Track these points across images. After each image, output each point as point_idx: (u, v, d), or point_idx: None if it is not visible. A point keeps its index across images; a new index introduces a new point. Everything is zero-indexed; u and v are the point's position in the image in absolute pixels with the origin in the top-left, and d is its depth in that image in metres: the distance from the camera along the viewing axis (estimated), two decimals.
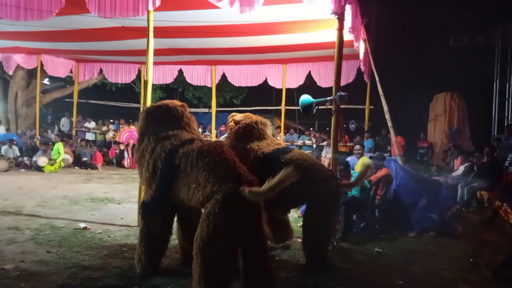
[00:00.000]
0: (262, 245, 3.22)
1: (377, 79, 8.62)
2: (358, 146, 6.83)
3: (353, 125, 11.31)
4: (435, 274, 4.18)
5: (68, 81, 15.77)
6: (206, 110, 16.37)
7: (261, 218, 3.16)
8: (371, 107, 11.24)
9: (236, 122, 4.48)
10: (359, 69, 10.51)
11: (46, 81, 15.61)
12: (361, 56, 8.57)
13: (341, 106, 5.00)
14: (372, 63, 8.95)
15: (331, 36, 7.10)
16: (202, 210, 3.18)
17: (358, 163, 6.21)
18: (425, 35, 16.17)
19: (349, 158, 6.86)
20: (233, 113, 4.69)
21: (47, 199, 6.87)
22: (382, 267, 4.31)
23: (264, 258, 3.23)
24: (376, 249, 4.80)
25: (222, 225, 2.96)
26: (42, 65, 12.29)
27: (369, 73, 9.79)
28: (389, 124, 8.39)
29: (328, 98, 4.92)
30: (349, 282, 3.86)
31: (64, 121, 15.36)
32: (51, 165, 10.82)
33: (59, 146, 11.30)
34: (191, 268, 3.09)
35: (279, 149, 4.33)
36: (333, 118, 4.91)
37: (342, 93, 4.75)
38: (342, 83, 6.32)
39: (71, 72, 13.63)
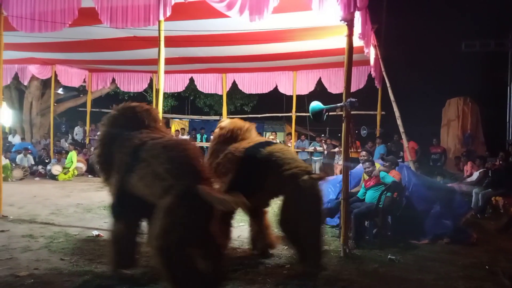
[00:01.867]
0: (213, 244, 3.24)
1: (388, 84, 8.59)
2: (364, 152, 6.77)
3: (364, 131, 11.26)
4: (449, 282, 4.11)
5: (82, 90, 16.02)
6: (217, 117, 16.44)
7: (214, 217, 3.19)
8: (383, 112, 11.18)
9: (221, 128, 4.66)
10: (370, 75, 10.47)
11: (60, 91, 15.87)
12: (372, 62, 8.55)
13: (352, 112, 4.97)
14: (383, 69, 8.92)
15: (341, 42, 7.12)
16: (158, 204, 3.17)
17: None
18: (437, 40, 16.08)
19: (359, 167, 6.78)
20: (222, 119, 4.92)
21: (61, 207, 6.96)
22: (395, 275, 4.25)
23: (215, 257, 3.24)
24: (389, 256, 4.74)
25: (180, 220, 2.98)
26: (56, 75, 12.52)
27: (380, 79, 9.76)
28: (401, 129, 8.33)
29: (339, 104, 4.91)
30: None
31: (77, 130, 15.58)
32: (65, 173, 10.97)
33: (73, 154, 11.47)
34: None
35: (258, 143, 4.39)
36: (343, 125, 4.89)
37: (353, 99, 4.74)
38: (353, 89, 6.31)
39: (84, 81, 13.87)
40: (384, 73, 8.87)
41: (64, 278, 3.78)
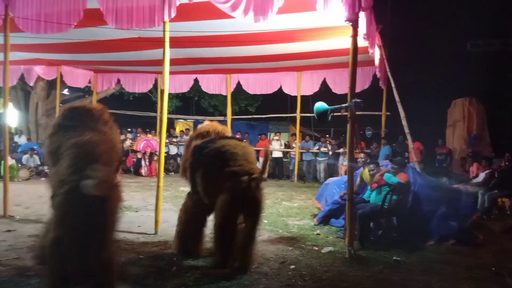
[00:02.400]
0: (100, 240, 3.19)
1: (393, 85, 8.56)
2: (362, 154, 6.75)
3: (369, 132, 11.23)
4: (454, 284, 4.09)
5: (87, 91, 16.11)
6: (221, 118, 16.46)
7: (106, 212, 3.16)
8: (388, 113, 11.15)
9: (198, 128, 4.90)
10: (374, 75, 10.45)
11: (65, 91, 15.96)
12: (377, 62, 8.53)
13: (357, 113, 4.97)
14: (388, 69, 8.90)
15: (345, 43, 7.11)
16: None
17: (364, 172, 6.13)
18: (442, 40, 16.01)
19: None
20: (205, 121, 5.11)
21: None
22: (400, 276, 4.23)
23: (99, 254, 3.18)
24: (394, 258, 4.72)
25: (68, 215, 3.01)
26: (61, 76, 12.59)
27: (385, 79, 9.73)
28: (406, 130, 8.30)
29: (343, 105, 4.90)
30: None
31: None
32: None
33: None
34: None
35: (213, 138, 4.46)
36: (348, 125, 4.88)
37: (358, 100, 4.73)
38: (358, 89, 6.30)
39: (89, 82, 13.93)
40: (389, 74, 8.84)
41: None
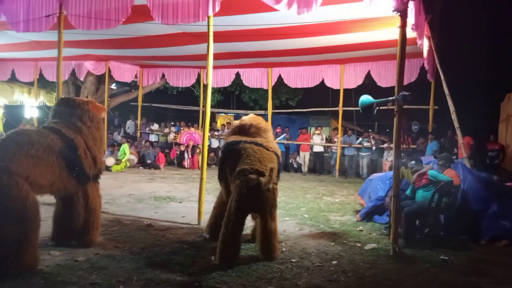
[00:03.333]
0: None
1: (442, 77, 8.19)
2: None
3: (416, 127, 10.83)
4: (507, 287, 3.88)
5: (133, 85, 16.66)
6: (262, 112, 16.51)
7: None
8: (436, 107, 10.70)
9: (239, 121, 5.05)
10: (422, 68, 10.05)
11: (113, 86, 16.61)
12: (425, 54, 8.19)
13: (404, 107, 4.80)
14: (437, 61, 8.52)
15: (392, 34, 6.88)
16: None
17: (403, 169, 5.88)
18: (495, 30, 15.08)
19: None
20: (251, 114, 5.26)
21: (115, 197, 7.31)
22: (448, 277, 4.07)
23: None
24: (441, 257, 4.54)
25: None
26: (109, 71, 13.12)
27: (433, 72, 9.33)
28: (456, 125, 7.92)
29: (390, 98, 4.75)
30: None
31: (129, 124, 16.24)
32: (118, 164, 11.48)
33: (125, 147, 11.98)
34: None
35: (239, 140, 4.59)
36: (395, 119, 4.72)
37: (405, 93, 4.56)
38: (405, 82, 6.07)
39: (136, 77, 14.42)
40: (438, 66, 8.46)
41: (117, 264, 3.96)
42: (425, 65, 9.16)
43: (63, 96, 4.79)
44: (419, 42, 6.78)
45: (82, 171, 4.25)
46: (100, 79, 14.96)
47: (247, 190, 4.00)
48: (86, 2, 6.30)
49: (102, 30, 6.51)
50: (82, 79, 14.14)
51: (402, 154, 6.12)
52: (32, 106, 15.59)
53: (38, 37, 9.24)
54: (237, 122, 5.07)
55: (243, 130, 4.88)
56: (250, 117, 5.06)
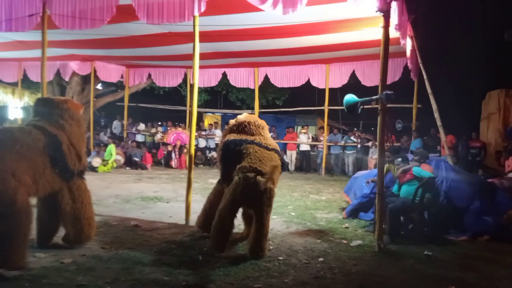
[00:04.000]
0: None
1: (425, 76, 8.34)
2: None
3: (399, 125, 10.98)
4: (493, 281, 3.97)
5: (119, 86, 16.51)
6: (249, 111, 16.55)
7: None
8: (419, 105, 10.88)
9: (235, 120, 5.15)
10: (405, 67, 10.20)
11: (99, 86, 16.42)
12: (408, 53, 8.33)
13: (388, 105, 4.89)
14: (419, 61, 8.67)
15: (376, 34, 6.96)
16: None
17: (391, 166, 6.02)
18: (476, 29, 15.37)
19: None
20: (245, 114, 5.36)
21: (101, 198, 7.24)
22: (433, 272, 4.16)
23: None
24: (425, 252, 4.65)
25: None
26: (95, 71, 12.99)
27: (416, 71, 9.49)
28: (439, 123, 8.08)
29: (374, 97, 4.83)
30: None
31: (116, 124, 16.11)
32: (104, 165, 11.38)
33: (112, 147, 11.87)
34: None
35: (240, 139, 4.74)
36: (379, 118, 4.81)
37: (389, 92, 4.65)
38: (388, 81, 6.18)
39: (122, 77, 14.31)
40: (421, 65, 8.61)
41: (105, 265, 3.94)
42: (409, 64, 9.31)
43: (41, 97, 4.78)
44: (402, 42, 6.90)
45: (66, 167, 4.19)
46: (85, 79, 14.77)
47: (243, 187, 4.11)
48: (70, 1, 6.25)
49: (87, 30, 6.47)
50: (67, 79, 13.94)
51: (387, 152, 6.25)
52: (16, 107, 15.35)
53: (21, 37, 9.10)
54: (233, 121, 5.14)
55: (240, 128, 4.98)
56: (246, 116, 5.17)
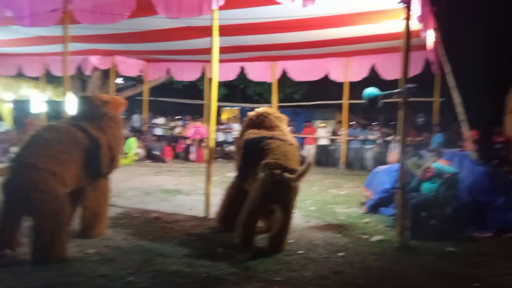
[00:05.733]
0: None
1: (447, 69, 8.15)
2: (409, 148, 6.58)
3: (421, 119, 10.79)
4: None
5: (139, 80, 16.69)
6: (267, 105, 16.49)
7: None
8: (441, 99, 10.66)
9: (253, 113, 5.14)
10: (427, 60, 9.98)
11: (119, 80, 16.65)
12: (430, 46, 8.14)
13: (409, 99, 4.80)
14: (442, 53, 8.47)
15: (397, 26, 6.83)
16: None
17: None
18: (501, 22, 14.92)
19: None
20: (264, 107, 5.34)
21: (122, 190, 7.38)
22: (455, 268, 4.09)
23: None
24: (447, 249, 4.57)
25: None
26: (115, 65, 13.16)
27: (439, 64, 9.28)
28: (461, 117, 7.89)
29: (395, 90, 4.75)
30: (416, 284, 3.72)
31: (136, 118, 16.32)
32: (125, 158, 11.56)
33: (132, 141, 12.06)
34: None
35: (263, 136, 4.69)
36: (400, 112, 4.73)
37: (410, 86, 4.56)
38: (410, 74, 6.05)
39: (141, 71, 14.45)
40: (443, 58, 8.42)
41: (127, 256, 4.03)
42: (430, 57, 9.11)
43: (84, 95, 4.92)
44: (423, 34, 6.75)
45: (98, 169, 4.39)
46: (106, 74, 14.99)
47: (270, 185, 4.08)
48: None
49: (107, 24, 6.53)
50: (88, 73, 14.19)
51: (407, 147, 6.16)
52: (40, 101, 15.68)
53: (44, 32, 9.27)
54: (252, 113, 5.12)
55: (259, 120, 4.97)
56: (264, 109, 5.15)
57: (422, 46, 8.46)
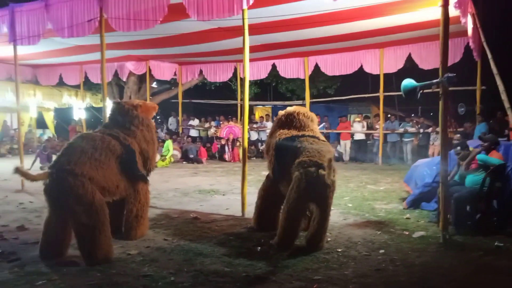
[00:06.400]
0: None
1: (489, 56, 7.74)
2: (458, 135, 6.22)
3: (462, 109, 10.34)
4: None
5: (173, 83, 17.06)
6: (299, 102, 16.38)
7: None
8: (483, 87, 10.17)
9: (284, 112, 5.07)
10: (466, 47, 9.56)
11: (154, 84, 17.08)
12: (470, 32, 7.78)
13: (450, 89, 4.60)
14: (483, 39, 8.06)
15: (433, 14, 6.60)
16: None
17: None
18: None
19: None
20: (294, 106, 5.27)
21: (161, 192, 7.56)
22: (504, 264, 3.89)
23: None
24: (496, 244, 4.35)
25: None
26: (150, 70, 13.50)
27: (479, 50, 8.85)
28: (506, 105, 7.47)
29: (435, 80, 4.57)
30: (465, 282, 3.57)
31: (171, 120, 16.69)
32: (163, 160, 11.84)
33: (169, 143, 12.34)
34: None
35: (294, 136, 4.66)
36: (440, 102, 4.54)
37: (451, 75, 4.36)
38: (448, 63, 5.82)
39: (175, 74, 14.77)
40: (484, 44, 8.01)
41: (168, 256, 4.10)
42: (471, 44, 8.70)
43: (116, 101, 5.08)
44: (462, 20, 6.47)
45: (136, 173, 4.54)
46: (141, 79, 15.43)
47: (306, 184, 4.04)
48: (125, 4, 6.50)
49: (141, 30, 6.70)
50: (124, 79, 14.65)
51: (449, 139, 5.91)
52: (80, 108, 16.35)
53: (81, 42, 9.65)
54: (283, 112, 5.09)
55: (289, 119, 4.93)
56: (294, 108, 5.10)
57: (461, 33, 8.14)
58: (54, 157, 4.99)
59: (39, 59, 12.54)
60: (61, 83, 15.21)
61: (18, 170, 3.91)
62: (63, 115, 19.94)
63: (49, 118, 18.61)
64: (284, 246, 4.22)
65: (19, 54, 8.04)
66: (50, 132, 19.22)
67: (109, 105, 5.78)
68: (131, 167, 4.47)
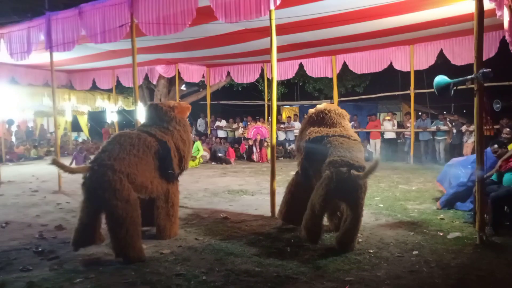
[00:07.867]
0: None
1: None
2: (507, 129, 6.00)
3: (498, 105, 9.95)
4: None
5: (201, 85, 17.28)
6: (327, 101, 16.22)
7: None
8: None
9: (314, 110, 5.05)
10: (502, 41, 9.19)
11: (183, 87, 17.37)
12: (506, 25, 7.47)
13: (485, 84, 4.45)
14: None
15: (466, 7, 6.39)
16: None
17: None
18: None
19: None
20: (325, 103, 5.30)
21: (192, 192, 7.67)
22: None
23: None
24: None
25: None
26: (179, 73, 13.74)
27: None
28: None
29: (469, 76, 4.42)
30: (506, 285, 3.44)
31: (200, 122, 16.92)
32: (193, 161, 12.00)
33: (198, 144, 12.51)
34: None
35: (324, 135, 4.64)
36: (475, 99, 4.40)
37: (486, 70, 4.21)
38: (483, 58, 5.63)
39: (203, 77, 14.96)
40: None
41: (199, 256, 4.17)
42: (507, 37, 8.35)
43: (152, 103, 5.17)
44: (498, 13, 6.21)
45: (169, 171, 4.62)
46: (171, 82, 15.73)
47: (336, 183, 4.02)
48: (155, 9, 6.64)
49: (171, 34, 6.83)
50: (154, 82, 14.97)
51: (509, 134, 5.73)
52: (112, 111, 16.84)
53: (113, 47, 9.93)
54: (313, 110, 5.07)
55: (320, 117, 4.91)
56: (325, 105, 5.08)
57: (496, 26, 7.84)
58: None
59: (73, 65, 13.01)
60: (94, 87, 15.72)
61: (54, 162, 4.02)
62: (96, 118, 20.61)
63: (83, 121, 19.28)
64: (312, 240, 4.26)
65: (54, 60, 8.35)
66: (84, 135, 19.90)
67: (140, 108, 5.93)
68: (166, 163, 4.55)
